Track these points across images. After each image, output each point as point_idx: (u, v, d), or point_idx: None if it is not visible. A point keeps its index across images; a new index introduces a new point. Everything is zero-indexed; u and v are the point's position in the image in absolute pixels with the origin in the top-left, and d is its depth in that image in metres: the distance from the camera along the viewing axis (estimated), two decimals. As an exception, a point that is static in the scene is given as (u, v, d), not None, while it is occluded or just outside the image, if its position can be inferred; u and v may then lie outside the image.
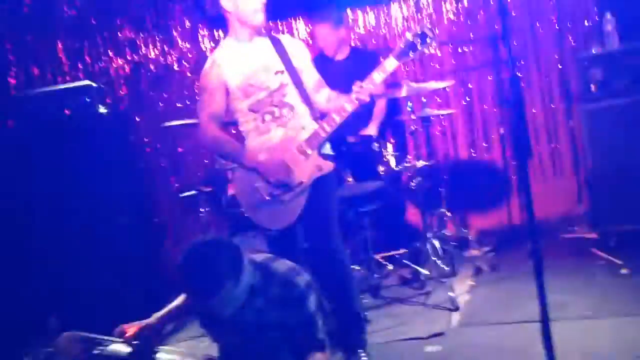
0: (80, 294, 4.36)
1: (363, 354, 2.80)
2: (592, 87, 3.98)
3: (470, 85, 5.09)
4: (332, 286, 2.84)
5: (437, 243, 3.99)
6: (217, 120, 2.88)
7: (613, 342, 2.68)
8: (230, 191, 4.13)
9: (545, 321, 1.93)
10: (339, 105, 2.79)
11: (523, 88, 4.80)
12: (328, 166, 2.87)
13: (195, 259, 1.95)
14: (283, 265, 2.20)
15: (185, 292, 2.20)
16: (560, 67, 4.85)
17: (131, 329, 2.21)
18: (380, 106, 4.42)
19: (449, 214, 4.46)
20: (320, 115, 2.91)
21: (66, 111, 4.42)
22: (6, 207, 3.87)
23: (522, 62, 4.89)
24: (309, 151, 2.82)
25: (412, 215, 4.71)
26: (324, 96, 2.94)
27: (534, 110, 4.94)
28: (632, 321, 2.86)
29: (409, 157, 4.18)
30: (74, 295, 4.32)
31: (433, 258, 3.90)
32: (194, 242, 2.00)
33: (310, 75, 2.95)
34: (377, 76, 2.76)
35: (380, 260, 4.29)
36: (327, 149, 2.96)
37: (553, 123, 4.94)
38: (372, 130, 4.32)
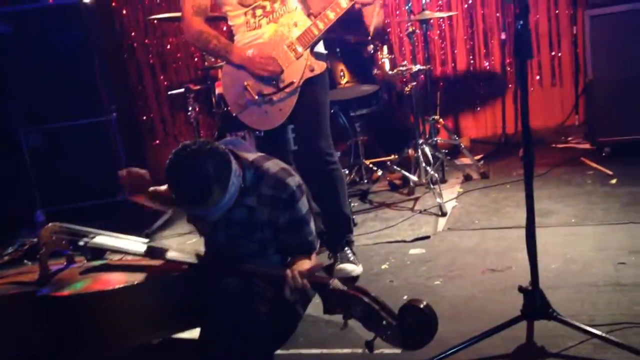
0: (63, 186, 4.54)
1: (349, 253, 2.84)
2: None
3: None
4: (321, 188, 2.84)
5: (428, 150, 3.96)
6: (202, 13, 2.73)
7: (595, 249, 2.71)
8: (218, 89, 4.02)
9: (531, 226, 1.93)
10: (334, 1, 2.65)
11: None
12: (320, 67, 2.76)
13: (182, 167, 1.89)
14: (275, 165, 2.15)
15: (174, 195, 2.14)
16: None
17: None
18: (377, 8, 4.23)
19: (442, 121, 4.41)
20: (314, 13, 2.76)
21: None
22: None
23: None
24: (301, 49, 2.71)
25: (405, 121, 4.65)
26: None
27: (537, 16, 4.79)
28: (615, 229, 2.89)
29: (404, 62, 4.05)
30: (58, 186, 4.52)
31: (423, 165, 3.88)
32: (181, 149, 1.91)
33: (304, -33, 2.77)
34: None
35: (370, 165, 4.27)
36: (321, 48, 2.84)
37: (556, 29, 4.82)
38: (367, 32, 4.15)
